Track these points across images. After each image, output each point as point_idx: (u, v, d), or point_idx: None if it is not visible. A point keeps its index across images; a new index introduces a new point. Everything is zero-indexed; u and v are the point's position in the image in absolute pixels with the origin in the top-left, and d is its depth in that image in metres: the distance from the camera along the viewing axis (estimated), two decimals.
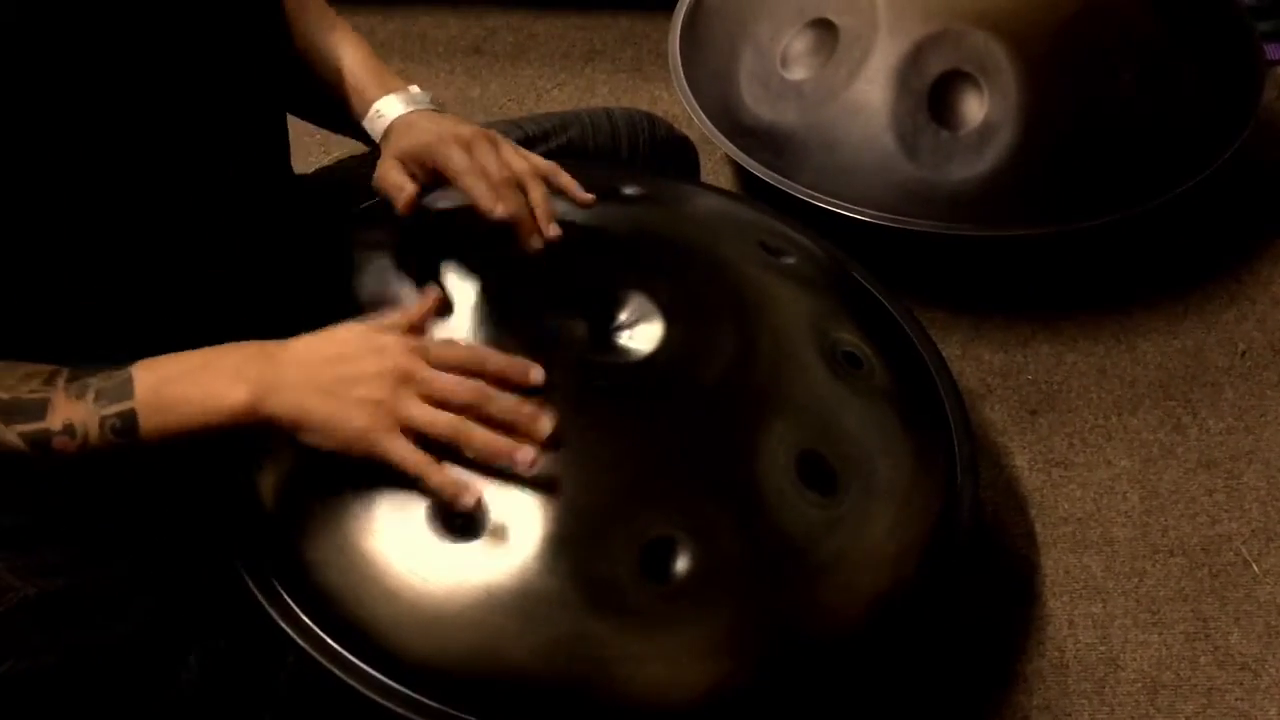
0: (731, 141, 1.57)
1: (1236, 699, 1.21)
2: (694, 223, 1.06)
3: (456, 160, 0.97)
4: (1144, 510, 1.37)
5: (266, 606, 0.88)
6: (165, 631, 0.87)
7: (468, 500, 0.84)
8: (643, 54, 2.00)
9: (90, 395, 0.81)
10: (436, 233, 1.07)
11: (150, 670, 0.86)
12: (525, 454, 0.84)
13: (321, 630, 0.88)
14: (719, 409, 0.96)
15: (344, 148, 1.79)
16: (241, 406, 0.82)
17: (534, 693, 0.85)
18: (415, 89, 1.06)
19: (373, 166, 1.03)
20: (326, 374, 0.83)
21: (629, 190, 1.16)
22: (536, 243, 0.97)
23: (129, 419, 0.81)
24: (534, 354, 0.93)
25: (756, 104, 1.58)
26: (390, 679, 0.86)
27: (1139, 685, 1.22)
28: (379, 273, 1.04)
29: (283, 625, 0.88)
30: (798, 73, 1.56)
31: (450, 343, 0.90)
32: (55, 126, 0.80)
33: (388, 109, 1.03)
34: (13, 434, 0.80)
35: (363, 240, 1.07)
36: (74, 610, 0.84)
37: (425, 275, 1.01)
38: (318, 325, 1.00)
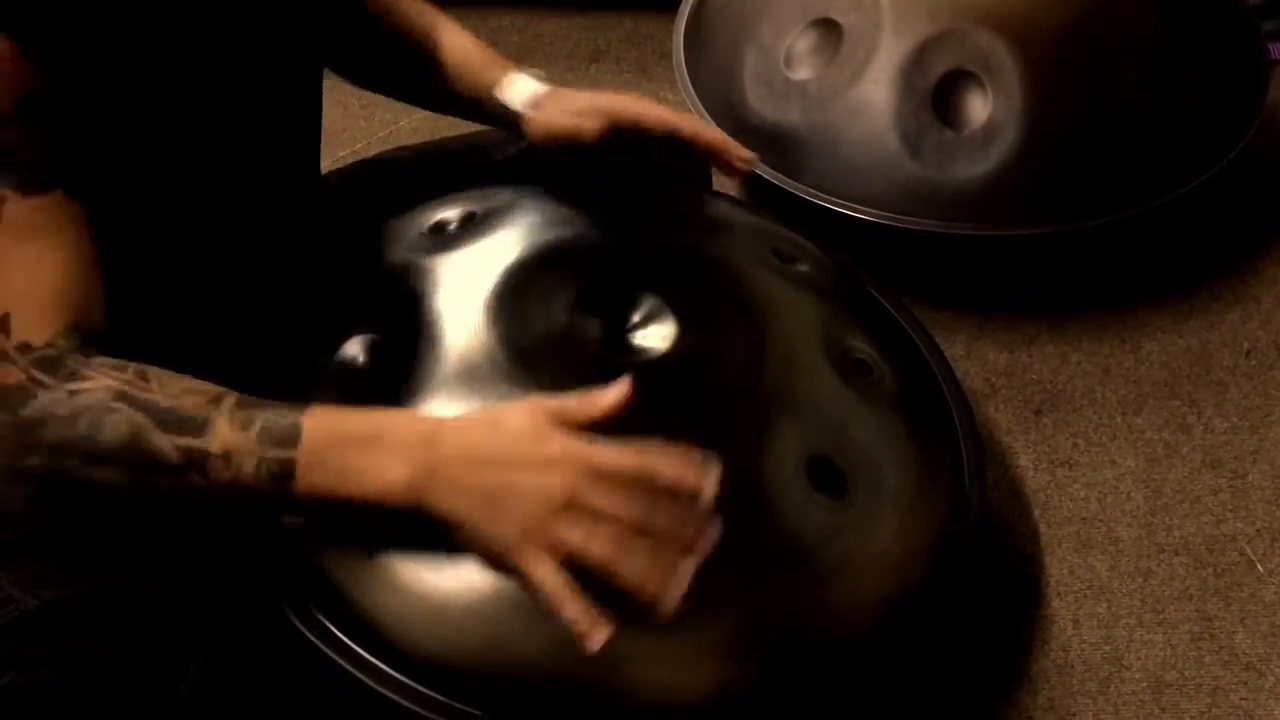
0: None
1: (1241, 699, 1.21)
2: (707, 229, 1.06)
3: (660, 114, 1.08)
4: (1149, 510, 1.37)
5: (276, 600, 0.89)
6: (166, 640, 0.87)
7: (594, 645, 0.73)
8: (647, 54, 2.00)
9: (255, 430, 0.76)
10: (450, 233, 1.08)
11: (150, 680, 0.85)
12: (667, 606, 0.75)
13: (331, 624, 0.88)
14: (730, 411, 0.96)
15: (351, 150, 1.80)
16: (400, 491, 0.76)
17: (541, 690, 0.86)
18: (536, 70, 1.12)
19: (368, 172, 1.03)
20: (489, 480, 0.76)
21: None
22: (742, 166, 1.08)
23: (288, 468, 0.76)
24: (547, 355, 0.94)
25: (760, 104, 1.58)
26: (398, 673, 0.86)
27: (1144, 685, 1.23)
28: (390, 272, 1.04)
29: (292, 619, 0.88)
30: (802, 72, 1.56)
31: (623, 452, 0.78)
32: (113, 109, 0.81)
33: (524, 82, 1.10)
34: (168, 442, 0.75)
35: (373, 239, 1.08)
36: (75, 620, 0.82)
37: (437, 275, 1.02)
38: (326, 326, 1.01)
